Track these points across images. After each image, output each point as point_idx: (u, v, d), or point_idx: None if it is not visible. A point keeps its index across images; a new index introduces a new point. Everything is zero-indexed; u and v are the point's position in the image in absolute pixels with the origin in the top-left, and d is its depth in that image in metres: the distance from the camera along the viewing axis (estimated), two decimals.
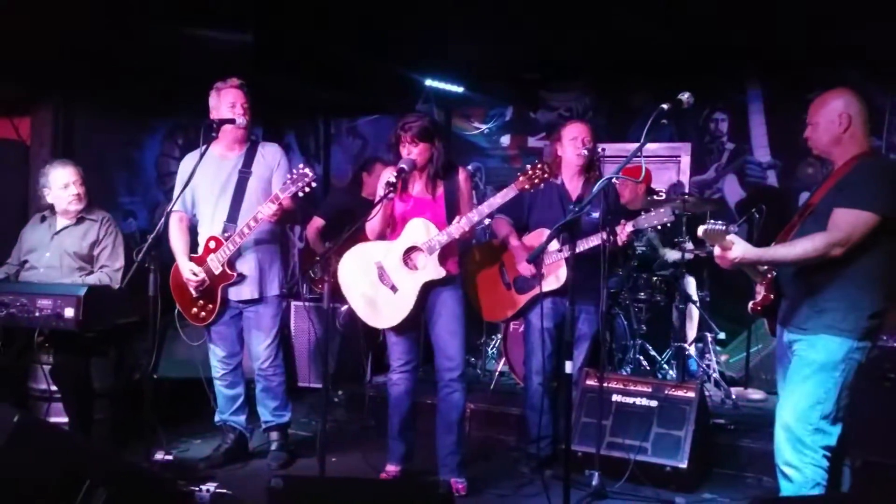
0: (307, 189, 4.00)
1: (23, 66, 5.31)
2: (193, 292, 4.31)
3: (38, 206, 4.65)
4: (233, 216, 4.24)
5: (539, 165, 3.83)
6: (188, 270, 4.24)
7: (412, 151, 3.97)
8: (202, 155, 4.03)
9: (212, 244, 4.26)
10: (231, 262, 4.23)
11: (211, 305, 4.31)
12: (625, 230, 4.21)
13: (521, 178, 3.84)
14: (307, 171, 4.00)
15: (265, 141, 4.68)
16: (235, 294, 4.31)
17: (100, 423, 4.47)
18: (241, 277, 4.27)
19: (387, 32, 5.66)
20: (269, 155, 4.36)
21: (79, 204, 4.51)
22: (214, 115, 4.26)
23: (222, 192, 4.28)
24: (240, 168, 4.30)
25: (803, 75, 5.76)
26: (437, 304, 4.02)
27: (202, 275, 4.23)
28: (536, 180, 3.82)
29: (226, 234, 4.21)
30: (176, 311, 4.43)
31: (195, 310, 4.35)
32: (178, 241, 4.33)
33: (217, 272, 4.24)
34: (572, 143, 4.41)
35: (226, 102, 4.25)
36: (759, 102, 6.76)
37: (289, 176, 4.03)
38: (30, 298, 4.04)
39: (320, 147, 8.38)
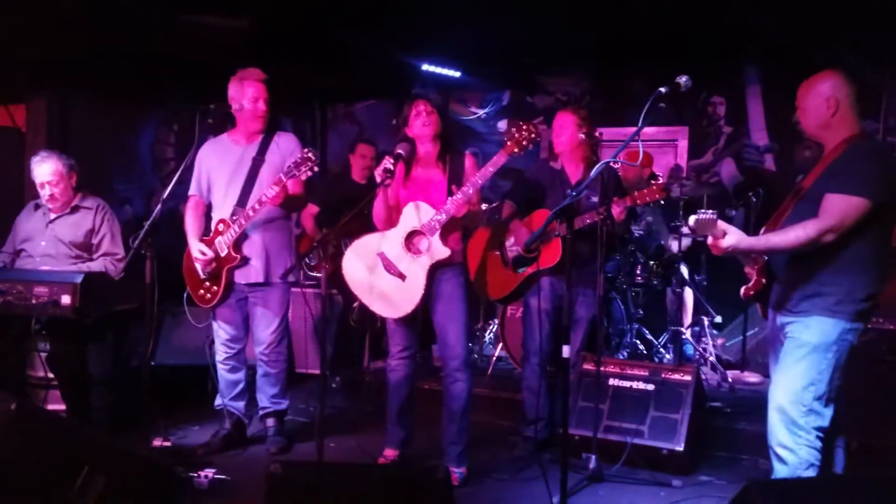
0: (310, 172, 4.03)
1: (18, 53, 5.29)
2: (202, 273, 4.34)
3: (33, 193, 4.64)
4: (243, 201, 4.26)
5: (525, 127, 3.82)
6: (197, 249, 4.29)
7: (429, 121, 3.98)
8: (197, 145, 4.10)
9: (220, 227, 4.30)
10: (237, 245, 4.26)
11: (216, 287, 4.33)
12: (617, 208, 4.21)
13: (508, 144, 3.83)
14: (310, 154, 4.03)
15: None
16: (242, 277, 4.34)
17: (98, 410, 4.48)
18: (246, 260, 4.29)
19: (383, 17, 5.63)
20: (284, 144, 4.39)
21: (54, 203, 4.52)
22: (234, 104, 4.31)
23: (235, 177, 4.32)
24: (254, 155, 4.34)
25: (801, 58, 5.72)
26: (438, 290, 4.01)
27: (210, 253, 4.26)
28: (525, 142, 3.81)
29: (233, 218, 4.25)
30: (185, 293, 4.45)
31: (202, 291, 4.38)
32: (191, 224, 4.39)
33: (223, 254, 4.28)
34: (555, 131, 4.48)
35: (249, 95, 4.29)
36: (756, 86, 6.75)
37: (292, 160, 4.05)
38: (26, 286, 4.05)
39: (317, 133, 8.37)
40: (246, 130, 4.37)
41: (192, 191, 4.44)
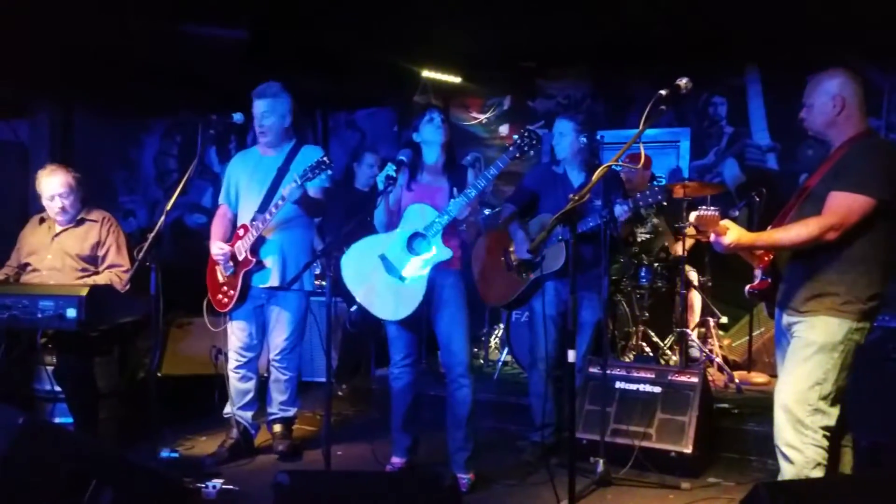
0: (323, 175, 4.08)
1: (20, 67, 5.32)
2: (220, 276, 4.42)
3: (37, 208, 4.65)
4: (263, 207, 4.32)
5: (526, 133, 3.84)
6: (216, 247, 4.38)
7: (441, 129, 4.02)
8: (200, 156, 4.13)
9: (241, 232, 4.38)
10: (254, 248, 4.32)
11: (232, 291, 4.38)
12: (620, 210, 4.21)
13: (511, 148, 3.85)
14: (325, 158, 4.09)
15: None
16: (260, 281, 4.38)
17: (105, 423, 4.49)
18: (260, 265, 4.34)
19: (382, 23, 5.64)
20: (309, 156, 4.41)
21: (63, 216, 4.53)
22: (256, 118, 4.41)
23: (259, 185, 4.40)
24: (279, 165, 4.40)
25: (802, 57, 5.71)
26: (439, 297, 4.01)
27: (227, 248, 4.36)
28: (527, 147, 3.83)
29: (253, 223, 4.32)
30: (206, 299, 4.50)
31: (220, 295, 4.45)
32: (215, 229, 4.51)
33: (241, 258, 4.34)
34: (555, 137, 4.52)
35: (254, 112, 4.40)
36: (757, 85, 6.74)
37: (309, 165, 4.09)
38: (32, 300, 4.05)
39: (319, 141, 8.37)
40: (273, 142, 4.46)
41: (221, 200, 4.57)
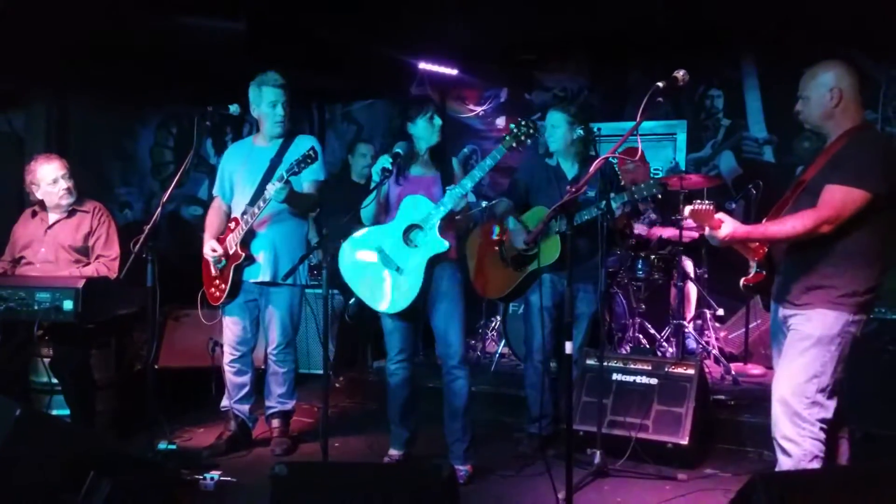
0: (305, 166, 4.02)
1: (16, 58, 5.29)
2: (213, 270, 4.41)
3: (32, 200, 4.64)
4: (254, 200, 4.29)
5: (523, 122, 3.83)
6: (208, 247, 4.37)
7: (436, 125, 4.02)
8: (196, 148, 4.12)
9: (232, 225, 4.37)
10: (244, 243, 4.30)
11: (223, 285, 4.37)
12: (615, 203, 4.21)
13: (507, 139, 3.84)
14: (311, 151, 4.04)
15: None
16: (251, 275, 4.37)
17: (102, 415, 4.49)
18: (252, 259, 4.32)
19: (379, 15, 5.63)
20: (303, 146, 4.37)
21: (70, 197, 4.52)
22: (254, 109, 4.40)
23: (252, 177, 4.37)
24: (272, 157, 4.38)
25: (798, 49, 5.71)
26: (435, 288, 4.01)
27: (220, 250, 4.33)
28: (523, 138, 3.82)
29: (243, 216, 4.29)
30: (201, 292, 4.50)
31: (212, 289, 4.44)
32: (209, 223, 4.51)
33: (231, 252, 4.33)
34: (548, 129, 4.50)
35: (266, 100, 4.35)
36: (754, 78, 6.74)
37: (295, 159, 4.06)
38: (28, 292, 4.05)
39: (315, 133, 8.36)
40: (267, 133, 4.43)
41: (215, 192, 4.56)
